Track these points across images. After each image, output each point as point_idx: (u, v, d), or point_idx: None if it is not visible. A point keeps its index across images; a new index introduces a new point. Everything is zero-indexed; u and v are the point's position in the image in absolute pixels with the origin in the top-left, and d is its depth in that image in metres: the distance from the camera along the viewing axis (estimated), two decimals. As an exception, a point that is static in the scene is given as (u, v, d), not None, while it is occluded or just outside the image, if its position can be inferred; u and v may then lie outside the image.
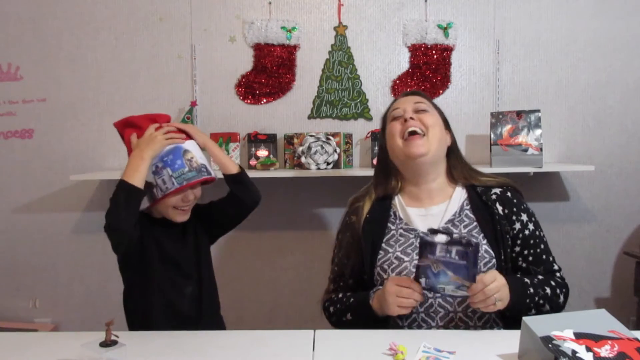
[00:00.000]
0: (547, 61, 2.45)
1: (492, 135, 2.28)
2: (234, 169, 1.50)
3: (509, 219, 1.40)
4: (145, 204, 1.45)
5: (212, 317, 1.51)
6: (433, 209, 1.43)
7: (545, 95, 2.46)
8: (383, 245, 1.41)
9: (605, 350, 0.97)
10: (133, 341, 1.15)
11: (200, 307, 1.45)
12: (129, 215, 1.30)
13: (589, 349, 0.97)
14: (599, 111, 2.47)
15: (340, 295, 1.46)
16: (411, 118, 1.41)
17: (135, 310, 1.45)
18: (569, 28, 2.45)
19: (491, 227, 1.37)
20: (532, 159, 2.23)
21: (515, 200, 1.43)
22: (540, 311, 1.31)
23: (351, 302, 1.41)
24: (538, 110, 2.28)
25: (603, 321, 1.05)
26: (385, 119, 1.54)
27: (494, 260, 1.33)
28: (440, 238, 1.22)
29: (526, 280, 1.32)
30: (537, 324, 1.03)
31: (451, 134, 1.52)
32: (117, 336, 1.06)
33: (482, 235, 1.36)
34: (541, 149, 2.24)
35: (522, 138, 2.26)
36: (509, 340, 1.15)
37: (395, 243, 1.40)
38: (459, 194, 1.45)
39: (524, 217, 1.41)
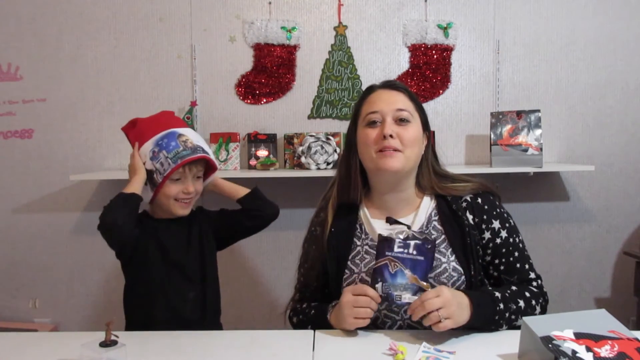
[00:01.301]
0: (547, 61, 2.45)
1: (492, 135, 2.28)
2: (245, 190, 1.55)
3: (479, 228, 1.31)
4: (145, 206, 1.45)
5: (214, 324, 1.49)
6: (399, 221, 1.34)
7: (545, 95, 2.46)
8: (349, 263, 1.33)
9: (605, 350, 0.96)
10: (133, 341, 1.15)
11: (202, 313, 1.44)
12: (125, 214, 1.32)
13: (589, 349, 0.96)
14: (599, 111, 2.47)
15: (304, 306, 1.39)
16: (390, 136, 1.27)
17: (135, 311, 1.44)
18: (569, 28, 2.45)
19: (460, 240, 1.28)
20: (532, 159, 2.23)
21: (486, 207, 1.33)
22: (513, 326, 1.23)
23: (311, 314, 1.34)
24: (538, 110, 2.28)
25: (603, 321, 1.05)
26: (357, 113, 1.36)
27: (462, 277, 1.26)
28: (400, 229, 1.19)
29: (497, 294, 1.22)
30: (537, 324, 1.03)
31: (428, 135, 1.38)
32: (117, 336, 1.06)
33: (450, 250, 1.28)
34: (541, 149, 2.24)
35: (522, 138, 2.26)
36: (509, 340, 1.15)
37: (360, 262, 1.32)
38: (427, 204, 1.34)
39: (496, 224, 1.32)
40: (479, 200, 1.34)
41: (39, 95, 2.47)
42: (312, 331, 1.27)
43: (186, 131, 1.43)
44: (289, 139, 2.37)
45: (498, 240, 1.31)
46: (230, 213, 1.55)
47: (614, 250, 2.52)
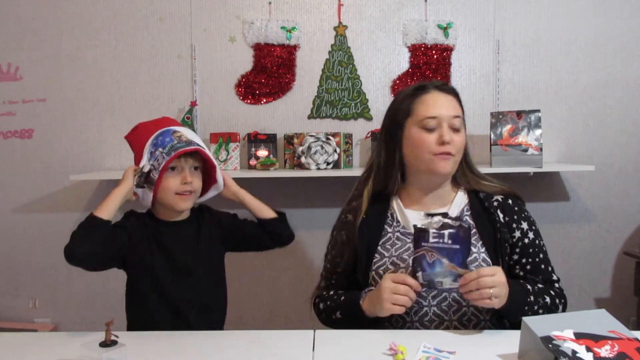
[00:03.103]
0: (547, 61, 2.45)
1: (492, 135, 2.28)
2: (273, 213, 1.53)
3: (509, 227, 1.37)
4: (140, 207, 1.44)
5: (218, 328, 1.47)
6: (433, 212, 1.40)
7: (545, 95, 2.46)
8: (379, 248, 1.38)
9: (605, 351, 0.96)
10: (133, 341, 1.15)
11: (207, 318, 1.42)
12: (89, 244, 1.28)
13: (589, 349, 0.96)
14: (599, 111, 2.47)
15: (331, 293, 1.43)
16: (449, 143, 1.32)
17: (137, 314, 1.42)
18: (569, 28, 2.45)
19: (491, 234, 1.34)
20: (532, 159, 2.23)
21: (516, 208, 1.40)
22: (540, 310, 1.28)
23: (341, 300, 1.37)
24: (538, 110, 2.28)
25: (603, 321, 1.05)
26: (409, 110, 1.37)
27: None
28: (436, 221, 1.22)
29: (528, 286, 1.29)
30: (537, 324, 1.03)
31: (465, 135, 1.44)
32: (117, 336, 1.06)
33: (480, 242, 1.33)
34: (541, 149, 2.24)
35: (522, 138, 2.26)
36: (509, 340, 1.15)
37: (391, 247, 1.37)
38: (460, 199, 1.41)
39: (525, 225, 1.38)
40: (510, 201, 1.41)
41: (39, 95, 2.47)
42: (312, 331, 1.27)
43: (181, 128, 1.42)
44: (289, 139, 2.37)
45: (526, 240, 1.37)
46: (248, 225, 1.53)
47: (614, 250, 2.52)
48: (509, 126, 2.28)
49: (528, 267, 1.36)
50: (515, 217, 1.38)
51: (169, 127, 1.40)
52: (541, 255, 1.38)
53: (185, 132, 1.40)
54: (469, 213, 1.38)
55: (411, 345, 1.14)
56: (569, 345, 0.97)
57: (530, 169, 2.21)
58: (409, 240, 1.36)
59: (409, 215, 1.39)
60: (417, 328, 1.31)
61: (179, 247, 1.41)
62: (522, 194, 1.48)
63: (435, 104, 1.35)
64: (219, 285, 1.49)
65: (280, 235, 1.54)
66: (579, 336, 0.99)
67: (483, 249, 1.32)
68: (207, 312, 1.42)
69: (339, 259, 1.44)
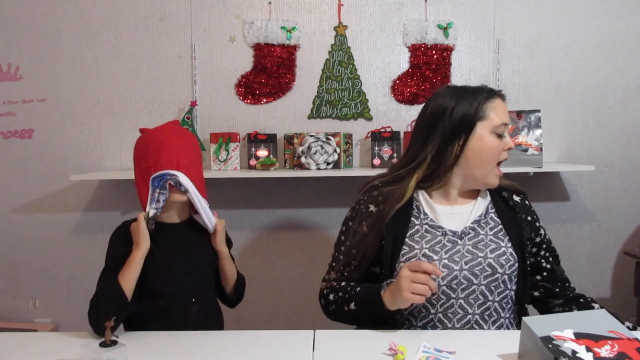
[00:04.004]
0: (547, 61, 2.45)
1: (492, 135, 2.28)
2: (230, 286, 1.50)
3: (532, 226, 1.45)
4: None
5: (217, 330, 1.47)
6: (459, 207, 1.41)
7: (545, 95, 2.46)
8: (407, 240, 1.36)
9: (605, 351, 0.97)
10: (133, 341, 1.15)
11: (205, 324, 1.40)
12: (118, 323, 1.29)
13: (589, 349, 0.97)
14: (599, 111, 2.47)
15: (343, 284, 1.40)
16: (512, 148, 1.42)
17: (134, 323, 1.40)
18: (569, 28, 2.45)
19: (516, 231, 1.39)
20: (532, 159, 2.23)
21: (532, 209, 1.49)
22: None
23: (357, 291, 1.34)
24: (538, 110, 2.28)
25: (603, 321, 1.05)
26: (481, 113, 1.36)
27: (517, 264, 1.35)
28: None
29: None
30: (537, 324, 1.03)
31: None
32: (117, 336, 1.06)
33: (507, 238, 1.37)
34: (541, 149, 2.24)
35: (522, 138, 2.26)
36: (509, 340, 1.16)
37: (421, 239, 1.36)
38: (484, 196, 1.44)
39: (541, 222, 1.49)
40: (526, 202, 1.50)
41: (39, 95, 2.47)
42: (312, 331, 1.27)
43: (178, 173, 1.35)
44: (289, 139, 2.37)
45: (547, 237, 1.49)
46: (220, 268, 1.49)
47: (614, 250, 2.52)
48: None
49: (551, 259, 1.48)
50: (535, 216, 1.48)
51: (165, 172, 1.35)
52: (552, 246, 1.51)
53: (181, 178, 1.36)
54: (493, 210, 1.42)
55: (411, 345, 1.14)
56: (569, 345, 0.97)
57: (530, 169, 2.21)
58: (439, 233, 1.36)
59: (438, 208, 1.40)
60: (439, 320, 1.31)
61: (175, 251, 1.40)
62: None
63: (504, 112, 1.41)
64: (212, 290, 1.49)
65: (224, 302, 1.56)
66: (579, 336, 1.00)
67: (509, 244, 1.36)
68: (204, 319, 1.42)
69: (356, 250, 1.40)
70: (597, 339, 0.99)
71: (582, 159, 2.47)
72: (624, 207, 2.50)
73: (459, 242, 1.35)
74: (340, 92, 2.45)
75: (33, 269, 2.52)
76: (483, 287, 1.31)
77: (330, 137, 2.27)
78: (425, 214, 1.40)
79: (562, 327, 1.01)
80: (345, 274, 1.42)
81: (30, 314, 2.54)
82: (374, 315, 1.30)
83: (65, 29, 2.45)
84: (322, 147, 2.26)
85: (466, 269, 1.31)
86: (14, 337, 1.32)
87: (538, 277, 1.46)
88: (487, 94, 1.39)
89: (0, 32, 2.45)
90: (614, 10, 2.44)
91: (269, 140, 2.38)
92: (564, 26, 2.45)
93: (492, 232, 1.37)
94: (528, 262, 1.38)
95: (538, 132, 2.25)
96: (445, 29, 2.43)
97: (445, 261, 1.32)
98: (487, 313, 1.31)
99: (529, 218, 1.46)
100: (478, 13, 2.45)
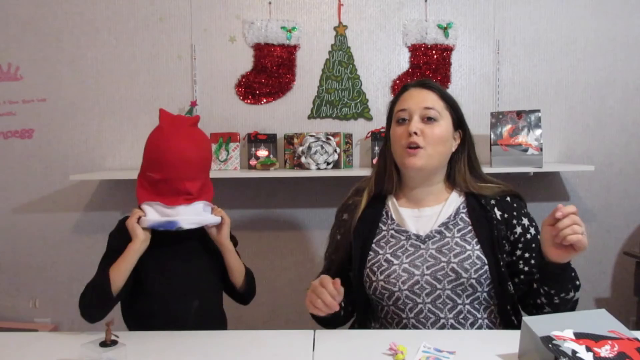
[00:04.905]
0: (547, 61, 2.45)
1: (492, 135, 2.28)
2: (239, 282, 1.47)
3: (509, 224, 1.38)
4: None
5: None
6: (427, 210, 1.41)
7: (545, 95, 2.46)
8: (373, 246, 1.39)
9: (605, 350, 0.96)
10: (133, 341, 1.15)
11: (207, 322, 1.40)
12: (103, 313, 1.33)
13: (589, 349, 0.96)
14: (599, 111, 2.47)
15: None
16: (415, 133, 1.34)
17: (134, 322, 1.42)
18: (569, 28, 2.45)
19: (487, 232, 1.34)
20: (532, 159, 2.23)
21: (515, 205, 1.41)
22: (566, 299, 1.26)
23: None
24: (538, 110, 2.28)
25: (603, 321, 1.05)
26: (391, 110, 1.45)
27: (485, 267, 1.30)
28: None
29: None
30: (537, 324, 1.03)
31: (463, 133, 1.44)
32: (117, 336, 1.06)
33: (475, 240, 1.33)
34: (541, 149, 2.24)
35: (522, 138, 2.26)
36: (509, 340, 1.15)
37: (385, 244, 1.38)
38: (455, 199, 1.41)
39: (525, 221, 1.39)
40: (508, 199, 1.41)
41: (39, 95, 2.47)
42: (312, 331, 1.27)
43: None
44: (289, 139, 2.37)
45: (528, 236, 1.38)
46: (226, 263, 1.46)
47: (614, 250, 2.52)
48: (509, 126, 2.28)
49: (532, 261, 1.37)
50: (515, 213, 1.39)
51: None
52: (534, 247, 1.38)
53: (184, 225, 1.35)
54: (465, 211, 1.39)
55: (411, 345, 1.14)
56: (569, 345, 0.97)
57: (530, 169, 2.21)
58: (402, 238, 1.38)
59: (403, 212, 1.41)
60: (414, 325, 1.32)
61: (174, 248, 1.39)
62: (522, 194, 1.48)
63: (410, 98, 1.40)
64: (218, 288, 1.48)
65: (239, 300, 1.54)
66: (579, 336, 0.99)
67: (478, 247, 1.32)
68: (206, 317, 1.41)
69: (335, 256, 1.47)
70: (597, 338, 0.99)
71: (582, 159, 2.47)
72: (624, 207, 2.50)
73: (422, 246, 1.35)
74: (340, 92, 2.45)
75: (33, 269, 2.52)
76: (449, 292, 1.30)
77: (330, 137, 2.27)
78: (392, 219, 1.42)
79: (562, 327, 1.01)
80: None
81: (30, 314, 2.54)
82: (335, 322, 1.38)
83: (65, 29, 2.45)
84: (322, 147, 2.26)
85: (428, 273, 1.31)
86: (14, 337, 1.32)
87: (516, 280, 1.38)
88: (401, 90, 1.45)
89: (0, 32, 2.45)
90: (614, 10, 2.44)
91: (269, 140, 2.38)
92: (564, 26, 2.45)
93: (459, 235, 1.34)
94: (502, 263, 1.31)
95: (538, 132, 2.26)
96: (445, 29, 2.43)
97: (406, 266, 1.33)
98: (461, 316, 1.31)
99: (506, 215, 1.38)
100: (478, 13, 2.45)
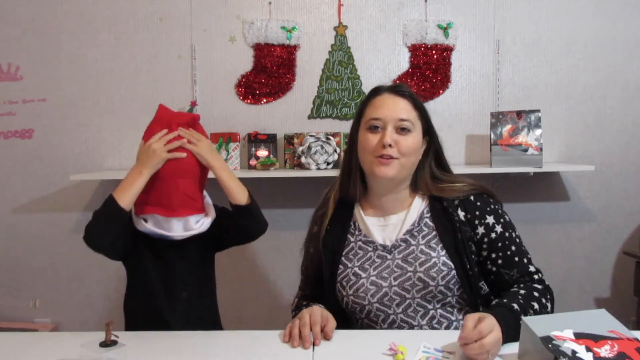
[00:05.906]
0: (547, 61, 2.45)
1: (492, 135, 2.28)
2: (243, 199, 1.37)
3: (472, 224, 1.32)
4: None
5: (214, 325, 1.46)
6: (392, 218, 1.37)
7: (545, 95, 2.46)
8: (342, 258, 1.37)
9: (605, 351, 0.96)
10: (133, 341, 1.15)
11: (196, 314, 1.40)
12: (106, 234, 1.29)
13: (588, 349, 0.96)
14: (599, 111, 2.47)
15: (304, 303, 1.43)
16: (390, 145, 1.29)
17: (132, 314, 1.42)
18: (569, 28, 2.45)
19: (451, 236, 1.30)
20: (532, 159, 2.23)
21: (479, 203, 1.34)
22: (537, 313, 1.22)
23: (297, 313, 1.34)
24: (538, 110, 2.28)
25: (603, 321, 1.05)
26: (361, 114, 1.37)
27: (453, 272, 1.28)
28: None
29: (515, 307, 1.18)
30: (537, 324, 1.03)
31: (431, 138, 1.38)
32: (117, 336, 1.06)
33: (440, 245, 1.30)
34: (541, 149, 2.24)
35: (522, 138, 2.26)
36: (509, 340, 1.15)
37: (354, 257, 1.36)
38: (418, 204, 1.37)
39: (490, 219, 1.32)
40: (472, 198, 1.35)
41: (39, 95, 2.47)
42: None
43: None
44: (289, 139, 2.37)
45: (493, 235, 1.32)
46: (221, 224, 1.41)
47: (614, 250, 2.52)
48: (509, 126, 2.28)
49: (500, 261, 1.31)
50: (478, 212, 1.33)
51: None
52: (513, 248, 1.32)
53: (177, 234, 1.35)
54: (428, 215, 1.35)
55: (411, 345, 1.14)
56: (569, 345, 0.97)
57: (530, 169, 2.21)
58: (370, 249, 1.36)
59: (368, 222, 1.38)
60: (367, 325, 1.33)
61: (166, 241, 1.38)
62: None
63: (383, 105, 1.34)
64: (207, 281, 1.47)
65: (246, 230, 1.43)
66: (578, 336, 0.99)
67: (443, 252, 1.29)
68: (195, 308, 1.41)
69: (310, 268, 1.46)
70: (597, 339, 0.99)
71: (582, 159, 2.47)
72: (624, 207, 2.50)
73: (389, 256, 1.33)
74: (340, 92, 2.45)
75: (33, 269, 2.52)
76: (419, 299, 1.29)
77: (330, 137, 2.27)
78: (359, 229, 1.39)
79: (562, 327, 1.01)
80: (307, 292, 1.48)
81: (30, 314, 2.54)
82: None
83: (65, 29, 2.45)
84: (322, 147, 2.26)
85: (396, 285, 1.30)
86: (14, 337, 1.31)
87: (488, 279, 1.34)
88: (372, 92, 1.39)
89: (0, 32, 2.45)
90: (614, 10, 2.44)
91: (269, 140, 2.38)
92: (564, 26, 2.45)
93: (424, 241, 1.32)
94: (469, 266, 1.28)
95: (538, 132, 2.26)
96: (445, 29, 2.43)
97: (374, 278, 1.32)
98: (434, 321, 1.30)
99: (469, 215, 1.32)
100: (478, 13, 2.45)
